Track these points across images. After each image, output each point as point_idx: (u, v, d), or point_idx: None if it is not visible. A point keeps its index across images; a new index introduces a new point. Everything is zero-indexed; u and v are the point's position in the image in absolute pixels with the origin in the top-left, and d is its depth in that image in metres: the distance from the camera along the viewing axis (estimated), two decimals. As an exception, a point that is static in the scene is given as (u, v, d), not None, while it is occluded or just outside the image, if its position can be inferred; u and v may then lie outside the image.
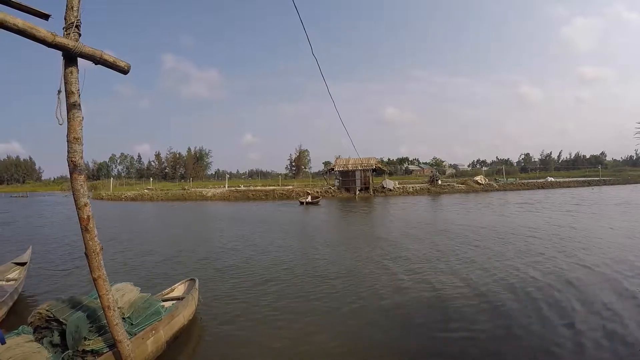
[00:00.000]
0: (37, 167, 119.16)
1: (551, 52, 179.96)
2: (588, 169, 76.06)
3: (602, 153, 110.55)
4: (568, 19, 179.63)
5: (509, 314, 6.18)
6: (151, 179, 74.13)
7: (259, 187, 49.29)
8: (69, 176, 4.07)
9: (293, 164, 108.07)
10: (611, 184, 47.74)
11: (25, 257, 8.97)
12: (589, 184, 47.94)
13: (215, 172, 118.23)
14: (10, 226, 21.27)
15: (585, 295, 6.92)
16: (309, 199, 33.58)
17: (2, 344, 4.09)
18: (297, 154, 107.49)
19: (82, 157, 3.94)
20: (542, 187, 45.76)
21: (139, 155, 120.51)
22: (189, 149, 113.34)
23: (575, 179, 53.74)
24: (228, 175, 75.15)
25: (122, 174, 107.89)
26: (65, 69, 3.83)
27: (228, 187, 51.38)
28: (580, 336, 5.24)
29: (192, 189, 50.61)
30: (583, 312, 6.12)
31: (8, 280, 7.82)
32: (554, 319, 5.89)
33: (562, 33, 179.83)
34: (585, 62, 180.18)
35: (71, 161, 3.87)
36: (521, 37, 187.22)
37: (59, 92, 3.80)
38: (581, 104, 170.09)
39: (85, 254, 4.03)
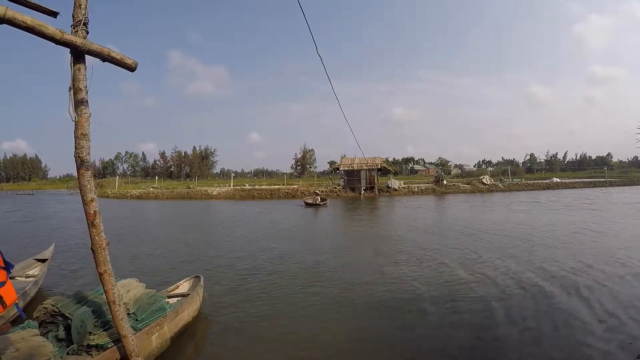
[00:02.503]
0: (43, 165, 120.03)
1: (562, 51, 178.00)
2: (594, 170, 75.44)
3: (609, 154, 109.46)
4: (583, 17, 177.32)
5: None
6: (157, 178, 74.43)
7: (264, 186, 49.25)
8: (75, 174, 4.12)
9: (298, 163, 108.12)
10: (617, 185, 47.44)
11: (47, 253, 9.03)
12: (595, 184, 47.65)
13: (221, 171, 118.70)
14: (28, 224, 21.26)
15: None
16: (318, 199, 30.15)
17: (24, 318, 4.36)
18: (302, 154, 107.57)
19: (89, 153, 3.98)
20: (548, 188, 45.46)
21: (143, 154, 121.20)
22: (194, 147, 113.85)
23: (581, 179, 53.36)
24: (233, 174, 75.23)
25: (128, 173, 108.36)
26: (73, 66, 3.88)
27: (233, 186, 51.44)
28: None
29: (198, 188, 50.68)
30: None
31: (27, 276, 7.85)
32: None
33: (575, 31, 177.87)
34: (596, 62, 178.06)
35: (78, 157, 3.91)
36: (531, 36, 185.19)
37: (70, 89, 3.85)
38: (590, 104, 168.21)
39: (92, 249, 4.07)
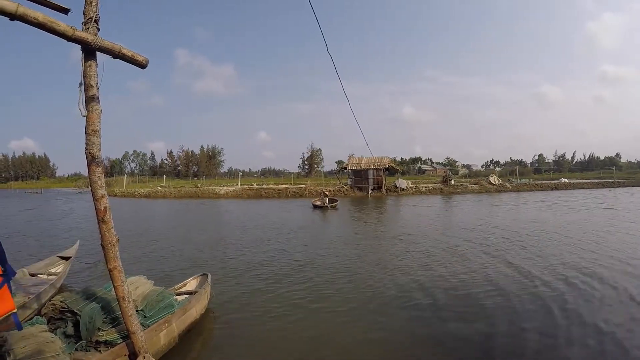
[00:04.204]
0: (51, 163, 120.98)
1: (573, 50, 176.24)
2: (602, 171, 74.70)
3: (617, 154, 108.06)
4: (596, 15, 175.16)
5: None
6: (164, 177, 74.78)
7: (271, 186, 49.31)
8: (83, 173, 4.14)
9: (306, 162, 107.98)
10: (625, 186, 47.06)
11: (71, 251, 9.08)
12: (603, 185, 47.34)
13: (228, 170, 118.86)
14: (45, 222, 21.23)
15: None
16: (327, 201, 27.03)
17: (18, 330, 3.89)
18: (310, 153, 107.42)
19: (100, 150, 3.99)
20: (556, 188, 45.10)
21: (151, 153, 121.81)
22: (202, 147, 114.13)
23: (589, 180, 52.90)
24: (241, 174, 75.36)
25: (135, 172, 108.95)
26: (84, 63, 3.89)
27: (241, 185, 51.51)
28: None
29: (205, 187, 50.74)
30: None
31: (50, 274, 7.88)
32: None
33: (587, 29, 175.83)
34: (608, 61, 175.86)
35: (89, 153, 3.93)
36: (541, 35, 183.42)
37: (80, 84, 3.86)
38: (600, 104, 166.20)
39: (102, 245, 4.09)
